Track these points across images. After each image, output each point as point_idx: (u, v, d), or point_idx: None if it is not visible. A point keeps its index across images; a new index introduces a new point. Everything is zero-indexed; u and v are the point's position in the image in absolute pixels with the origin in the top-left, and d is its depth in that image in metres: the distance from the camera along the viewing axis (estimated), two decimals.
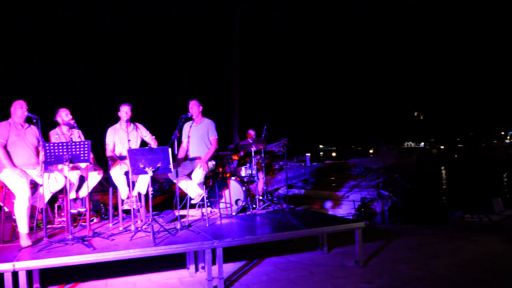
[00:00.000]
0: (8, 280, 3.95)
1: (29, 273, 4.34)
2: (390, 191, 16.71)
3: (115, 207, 6.11)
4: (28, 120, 5.28)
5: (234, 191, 6.64)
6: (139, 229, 5.22)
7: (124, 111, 6.03)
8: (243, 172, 7.14)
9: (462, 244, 6.30)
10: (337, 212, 14.57)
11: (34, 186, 5.31)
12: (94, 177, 5.70)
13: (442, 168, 42.69)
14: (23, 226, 4.81)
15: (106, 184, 6.25)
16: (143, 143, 6.19)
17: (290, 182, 19.70)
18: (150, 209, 5.00)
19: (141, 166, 4.91)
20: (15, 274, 3.99)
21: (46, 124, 5.41)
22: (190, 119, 6.29)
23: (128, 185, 5.77)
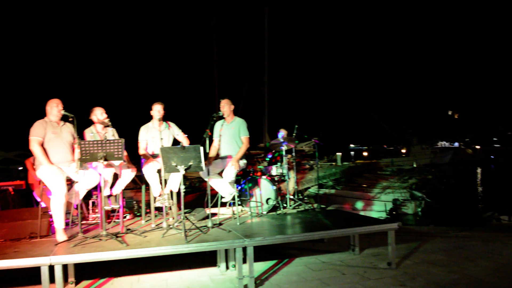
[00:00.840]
0: (44, 273, 4.06)
1: (65, 267, 4.45)
2: (423, 192, 16.33)
3: (148, 204, 6.19)
4: (64, 118, 5.40)
5: (265, 190, 6.64)
6: (171, 226, 5.29)
7: (157, 110, 6.11)
8: (274, 171, 7.12)
9: (499, 248, 6.11)
10: (369, 213, 14.39)
11: (70, 183, 5.44)
12: (128, 175, 5.80)
13: (478, 168, 41.57)
14: (59, 222, 4.94)
15: (139, 181, 6.35)
16: (175, 142, 6.26)
17: (320, 181, 19.57)
18: (182, 206, 5.04)
19: (173, 164, 4.96)
20: (51, 267, 4.09)
21: (81, 122, 5.54)
22: (222, 118, 6.32)
23: (160, 183, 5.84)
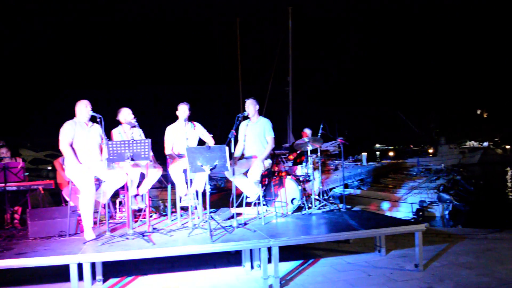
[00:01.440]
0: (73, 271, 4.14)
1: (93, 265, 4.52)
2: (451, 194, 15.98)
3: (173, 204, 6.25)
4: (92, 119, 5.50)
5: (290, 190, 6.62)
6: (197, 225, 5.32)
7: (183, 110, 6.16)
8: (299, 171, 7.10)
9: None
10: (395, 214, 14.20)
11: (98, 183, 5.53)
12: (154, 174, 5.86)
13: (508, 169, 40.56)
14: (87, 221, 5.03)
15: (165, 181, 6.41)
16: (201, 142, 6.30)
17: (346, 181, 19.40)
18: (208, 206, 5.07)
19: (199, 164, 4.99)
20: (80, 265, 4.17)
21: (108, 123, 5.63)
22: (247, 118, 6.32)
23: (186, 183, 5.89)
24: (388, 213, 14.32)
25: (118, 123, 6.14)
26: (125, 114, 6.07)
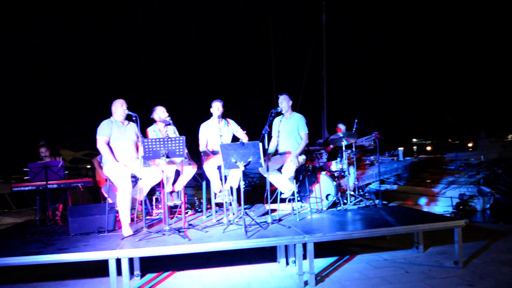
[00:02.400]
0: (112, 266, 4.23)
1: (130, 260, 4.61)
2: (492, 187, 15.49)
3: (208, 200, 6.30)
4: (128, 118, 5.60)
5: (324, 185, 6.57)
6: (231, 222, 5.35)
7: (216, 107, 6.19)
8: (334, 166, 7.03)
9: None
10: (433, 210, 13.88)
11: (134, 180, 5.63)
12: (189, 171, 5.93)
13: None
14: (125, 217, 5.14)
15: (200, 178, 6.47)
16: (235, 138, 6.32)
17: (382, 177, 19.09)
18: (242, 202, 5.09)
19: (233, 160, 5.01)
20: (118, 260, 4.26)
21: (143, 121, 5.73)
22: (280, 113, 6.30)
23: (221, 179, 5.92)
24: (426, 209, 14.02)
25: (152, 121, 6.24)
26: (160, 112, 6.16)
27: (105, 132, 5.39)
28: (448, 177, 18.58)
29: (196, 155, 6.40)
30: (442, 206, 14.54)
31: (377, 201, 6.72)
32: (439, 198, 15.28)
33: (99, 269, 5.04)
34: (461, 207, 14.02)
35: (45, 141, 7.49)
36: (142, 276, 5.13)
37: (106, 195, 6.35)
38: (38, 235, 5.36)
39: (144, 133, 6.06)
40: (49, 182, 6.12)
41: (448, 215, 12.77)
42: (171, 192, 6.00)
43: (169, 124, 6.11)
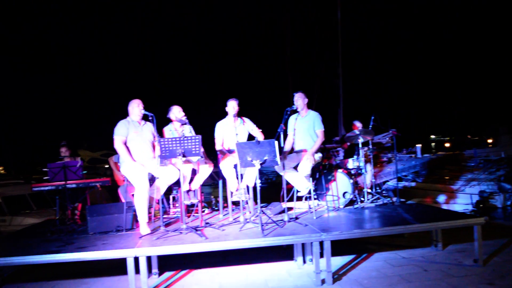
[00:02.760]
0: (130, 264, 4.28)
1: (148, 258, 4.65)
2: None
3: (225, 199, 6.32)
4: (144, 118, 5.65)
5: (341, 183, 6.53)
6: (248, 220, 5.36)
7: (232, 106, 6.19)
8: (350, 164, 6.99)
9: None
10: (452, 207, 13.70)
11: (151, 179, 5.68)
12: (205, 170, 5.95)
13: None
14: (142, 216, 5.18)
15: (216, 176, 6.49)
16: (250, 137, 6.32)
17: (399, 174, 18.91)
18: (258, 201, 5.09)
19: (249, 159, 5.02)
20: (136, 259, 4.30)
21: (159, 121, 5.77)
22: (296, 111, 6.27)
23: (237, 178, 5.93)
24: (445, 206, 13.85)
25: (169, 120, 6.27)
26: (176, 112, 6.19)
27: (122, 132, 5.44)
28: (468, 174, 18.33)
29: (212, 154, 6.41)
30: (461, 204, 14.34)
31: (394, 199, 6.66)
32: (458, 196, 15.07)
33: (117, 267, 5.10)
34: (481, 204, 13.81)
35: (66, 142, 7.60)
36: (160, 274, 5.17)
37: (122, 196, 6.43)
38: (58, 234, 5.44)
39: (160, 133, 6.10)
40: (68, 182, 6.20)
41: (468, 212, 12.60)
42: (188, 191, 6.03)
43: (185, 124, 6.14)
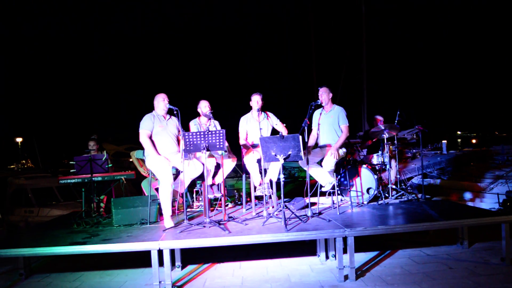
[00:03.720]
0: (154, 256, 4.32)
1: (172, 251, 4.69)
2: None
3: (248, 194, 6.32)
4: (169, 112, 5.69)
5: (365, 179, 6.47)
6: (271, 215, 5.35)
7: (256, 101, 6.19)
8: (375, 159, 6.91)
9: None
10: (479, 205, 13.45)
11: (175, 173, 5.72)
12: (229, 164, 5.96)
13: None
14: (166, 209, 5.23)
15: (240, 171, 6.50)
16: (274, 131, 6.30)
17: (424, 171, 18.65)
18: (282, 195, 5.08)
19: (273, 153, 5.01)
20: (160, 251, 4.34)
21: (187, 115, 5.81)
22: (320, 106, 6.23)
23: (260, 172, 5.93)
24: (471, 204, 13.60)
25: (196, 115, 6.31)
26: (202, 106, 6.23)
27: (147, 126, 5.49)
28: (495, 171, 17.95)
29: (236, 148, 6.43)
30: (488, 203, 14.06)
31: (419, 195, 6.56)
32: (485, 194, 14.77)
33: (141, 259, 5.16)
34: (508, 203, 13.51)
35: (96, 136, 7.73)
36: (183, 267, 5.22)
37: (144, 191, 6.50)
38: (84, 226, 5.53)
39: (186, 127, 6.14)
40: (94, 174, 6.30)
41: (495, 210, 12.34)
42: (212, 185, 6.06)
43: (211, 118, 6.15)
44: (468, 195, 15.05)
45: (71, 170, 6.64)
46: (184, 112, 5.48)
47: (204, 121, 6.25)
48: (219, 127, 6.18)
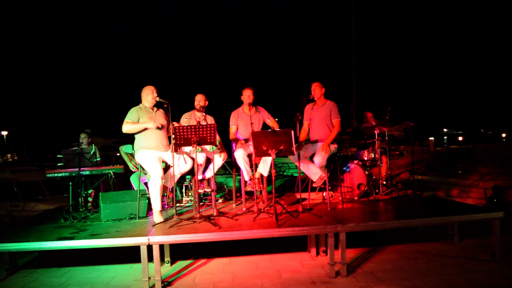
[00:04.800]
0: (143, 252, 4.26)
1: (161, 246, 4.63)
2: None
3: (238, 189, 6.28)
4: (158, 105, 5.55)
5: (356, 175, 6.46)
6: (262, 210, 5.31)
7: (247, 95, 6.12)
8: (366, 155, 6.90)
9: None
10: (465, 201, 13.56)
11: (165, 167, 5.64)
12: (219, 159, 5.90)
13: None
14: (156, 204, 5.15)
15: (229, 167, 6.45)
16: (265, 126, 6.25)
17: (412, 167, 18.77)
18: (273, 191, 5.04)
19: (264, 148, 4.96)
20: (149, 247, 4.28)
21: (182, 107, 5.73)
22: (312, 101, 6.18)
23: (251, 167, 5.88)
24: (458, 200, 13.72)
25: (191, 108, 6.22)
26: (196, 100, 6.11)
27: (132, 118, 5.31)
28: (481, 168, 18.12)
29: (226, 143, 6.37)
30: (474, 198, 14.18)
31: (410, 192, 6.57)
32: (471, 190, 14.92)
33: (130, 255, 5.09)
34: (495, 199, 13.64)
35: (90, 130, 7.63)
36: (172, 263, 5.16)
37: (133, 186, 6.42)
38: (71, 220, 5.44)
39: (179, 120, 6.07)
40: (81, 168, 6.19)
41: (482, 207, 12.44)
42: (202, 180, 5.99)
43: (203, 112, 6.06)
44: (454, 191, 15.17)
45: (58, 164, 6.53)
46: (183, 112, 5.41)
47: (199, 115, 6.16)
48: (213, 121, 6.10)
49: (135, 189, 6.33)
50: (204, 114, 6.09)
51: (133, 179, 6.65)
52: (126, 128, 5.27)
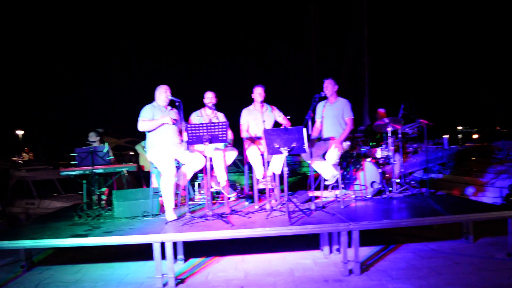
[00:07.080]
0: (156, 249, 4.27)
1: (174, 244, 4.65)
2: None
3: (251, 187, 6.27)
4: (171, 104, 5.62)
5: (369, 173, 6.41)
6: (274, 208, 5.29)
7: (258, 93, 6.11)
8: (379, 153, 6.84)
9: None
10: (481, 200, 13.40)
11: (178, 165, 5.66)
12: (231, 157, 5.89)
13: None
14: (169, 202, 5.17)
15: (241, 164, 6.44)
16: (276, 124, 6.23)
17: (426, 165, 18.60)
18: (285, 189, 5.02)
19: (276, 146, 4.94)
20: (162, 244, 4.30)
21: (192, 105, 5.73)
22: (324, 98, 6.15)
23: (263, 165, 5.86)
24: (473, 199, 13.56)
25: (201, 106, 6.22)
26: (206, 98, 6.12)
27: (147, 116, 5.37)
28: (497, 166, 17.88)
29: (238, 141, 6.36)
30: (490, 197, 14.01)
31: (424, 190, 6.50)
32: (487, 189, 14.73)
33: (143, 252, 5.12)
34: (511, 198, 13.46)
35: (102, 130, 7.68)
36: (185, 260, 5.18)
37: (153, 182, 6.44)
38: (85, 218, 5.49)
39: (187, 119, 6.08)
40: (95, 166, 6.23)
41: (498, 205, 12.28)
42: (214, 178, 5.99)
43: (214, 109, 6.06)
44: (470, 190, 15.00)
45: (72, 162, 6.58)
46: (191, 108, 5.41)
47: (209, 112, 6.16)
48: (225, 119, 6.10)
49: (155, 183, 6.36)
50: (215, 111, 6.08)
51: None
52: (143, 125, 5.33)
